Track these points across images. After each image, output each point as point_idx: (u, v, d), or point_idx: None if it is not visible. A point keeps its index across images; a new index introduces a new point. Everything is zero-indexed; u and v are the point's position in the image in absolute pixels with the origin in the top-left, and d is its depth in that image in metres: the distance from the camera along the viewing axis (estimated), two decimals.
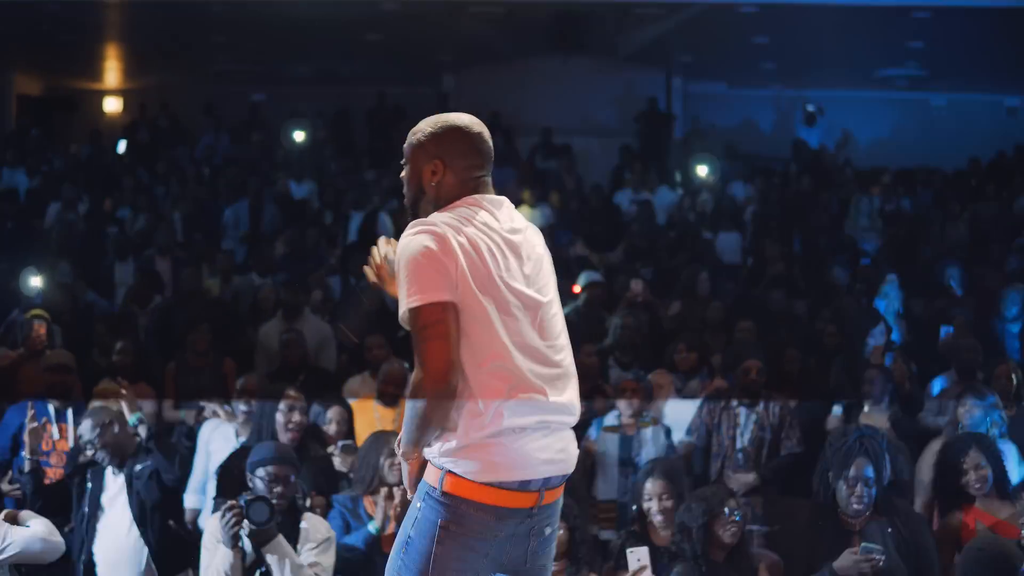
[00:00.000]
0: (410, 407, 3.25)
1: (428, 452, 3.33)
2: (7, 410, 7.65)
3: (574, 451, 3.43)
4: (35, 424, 6.77)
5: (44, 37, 17.49)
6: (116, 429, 6.18)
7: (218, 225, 12.68)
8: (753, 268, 12.44)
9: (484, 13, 15.83)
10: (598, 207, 14.16)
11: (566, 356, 3.43)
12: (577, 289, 10.55)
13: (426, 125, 3.49)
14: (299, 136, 16.32)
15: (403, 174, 3.54)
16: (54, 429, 7.13)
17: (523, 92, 17.84)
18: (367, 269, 3.69)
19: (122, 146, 16.99)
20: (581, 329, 9.69)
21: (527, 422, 3.26)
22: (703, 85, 19.34)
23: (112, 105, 21.02)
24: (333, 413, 7.05)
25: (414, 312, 3.24)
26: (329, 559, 5.53)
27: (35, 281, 9.82)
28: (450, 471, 3.26)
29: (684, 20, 15.93)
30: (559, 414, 3.35)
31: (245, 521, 5.36)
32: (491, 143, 3.51)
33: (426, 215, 3.41)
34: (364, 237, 11.78)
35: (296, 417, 6.63)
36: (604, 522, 7.41)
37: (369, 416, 7.39)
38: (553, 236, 12.86)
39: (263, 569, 5.43)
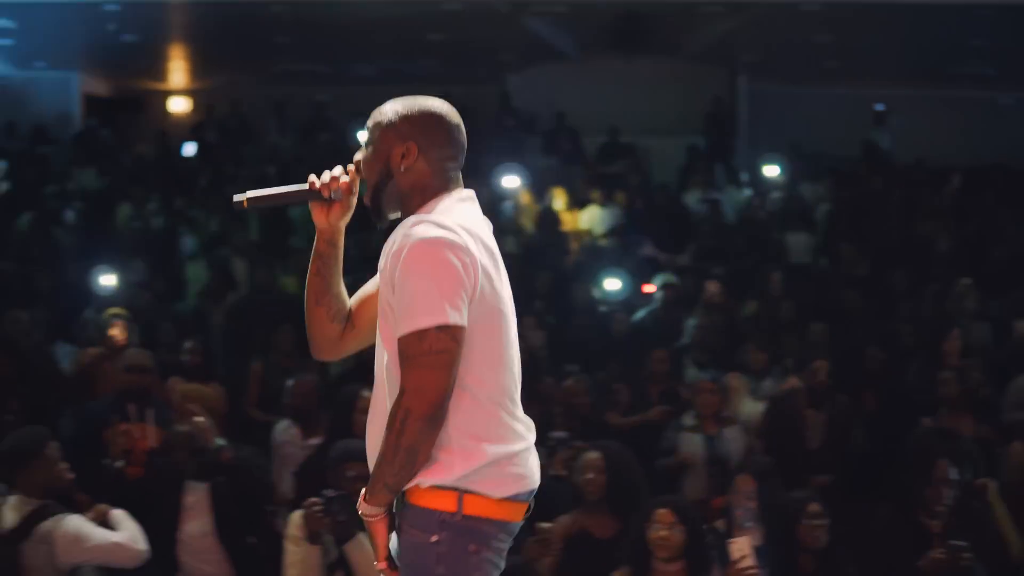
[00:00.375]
0: (385, 442, 2.93)
1: (431, 479, 2.99)
2: (87, 406, 7.73)
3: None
4: (124, 424, 6.90)
5: (110, 38, 17.68)
6: (200, 441, 6.25)
7: (289, 224, 12.75)
8: (828, 268, 12.34)
9: (547, 12, 15.82)
10: (666, 207, 14.10)
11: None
12: (652, 289, 10.55)
13: (397, 105, 3.15)
14: (364, 136, 16.31)
15: (359, 157, 3.20)
16: (134, 428, 7.13)
17: (587, 92, 17.80)
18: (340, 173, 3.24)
19: (190, 147, 17.11)
20: (656, 331, 9.71)
21: (528, 437, 3.09)
22: (767, 84, 19.20)
23: (178, 105, 21.22)
24: None
25: (418, 335, 2.88)
26: None
27: (108, 280, 9.92)
28: (468, 491, 2.98)
29: (747, 19, 15.82)
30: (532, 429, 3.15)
31: (327, 517, 5.41)
32: (465, 137, 3.17)
33: (390, 207, 3.14)
34: None
35: None
36: None
37: None
38: (622, 236, 12.85)
39: (344, 565, 5.48)
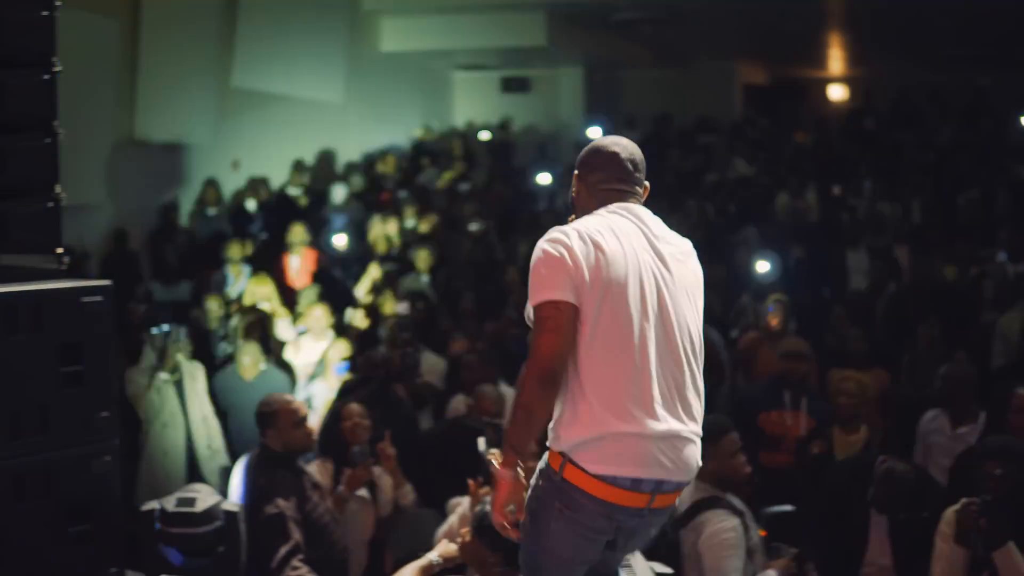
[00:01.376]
0: (512, 403, 3.58)
1: (551, 444, 3.53)
2: (743, 389, 8.00)
3: (690, 462, 3.52)
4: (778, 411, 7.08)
5: (770, 27, 18.07)
6: None
7: (952, 212, 12.38)
8: None
9: None
10: None
11: (694, 377, 3.55)
12: None
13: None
14: None
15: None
16: (787, 416, 7.27)
17: None
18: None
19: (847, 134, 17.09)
20: None
21: (645, 428, 3.41)
22: None
23: (837, 93, 21.29)
24: None
25: (534, 310, 3.49)
26: None
27: (764, 266, 10.15)
28: (570, 460, 3.44)
29: None
30: (677, 427, 3.46)
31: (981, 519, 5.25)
32: (631, 161, 3.70)
33: None
34: None
35: None
36: None
37: None
38: None
39: (991, 571, 5.29)
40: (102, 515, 4.22)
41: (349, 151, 17.03)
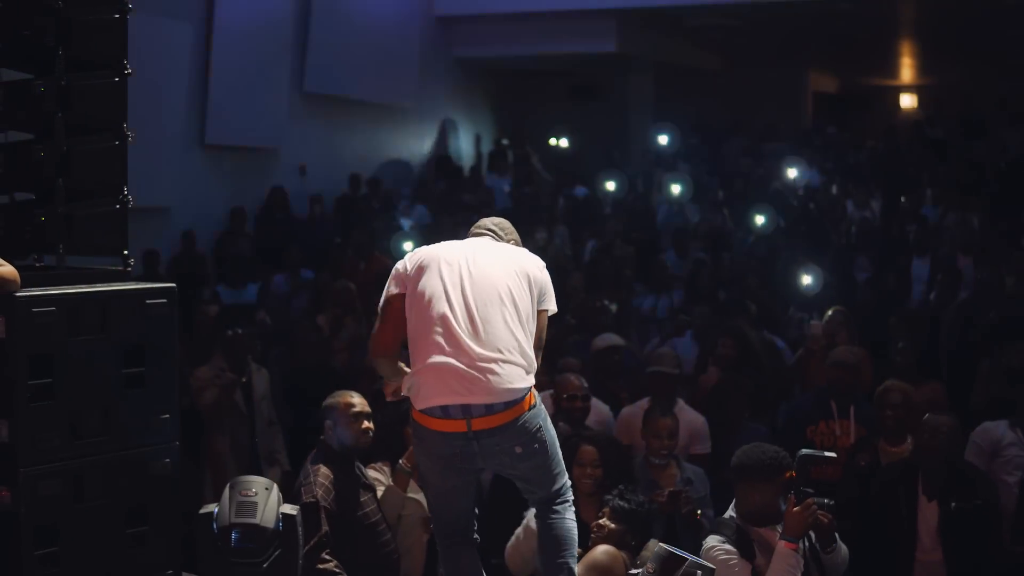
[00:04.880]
0: None
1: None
2: (796, 401, 7.88)
3: (492, 386, 4.27)
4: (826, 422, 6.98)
5: (840, 36, 17.89)
6: None
7: (1017, 222, 12.15)
8: None
9: None
10: None
11: (505, 321, 4.40)
12: None
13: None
14: None
15: None
16: (836, 426, 7.11)
17: None
18: None
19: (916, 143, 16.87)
20: None
21: (440, 363, 4.29)
22: None
23: (906, 101, 21.04)
24: None
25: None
26: None
27: (809, 279, 10.01)
28: (411, 405, 4.43)
29: None
30: (473, 359, 4.29)
31: None
32: (489, 229, 4.78)
33: None
34: None
35: None
36: None
37: None
38: None
39: None
40: (160, 517, 4.25)
41: (418, 157, 17.10)
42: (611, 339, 8.47)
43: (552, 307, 4.60)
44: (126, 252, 4.48)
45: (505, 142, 18.60)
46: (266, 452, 8.04)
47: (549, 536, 4.55)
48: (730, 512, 5.04)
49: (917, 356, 8.09)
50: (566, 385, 6.99)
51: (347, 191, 15.03)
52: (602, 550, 5.23)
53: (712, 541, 4.90)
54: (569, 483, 4.63)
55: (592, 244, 12.93)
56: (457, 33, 17.57)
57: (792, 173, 14.53)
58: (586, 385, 7.06)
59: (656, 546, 4.57)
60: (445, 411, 4.30)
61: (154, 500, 4.25)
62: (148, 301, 4.29)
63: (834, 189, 14.99)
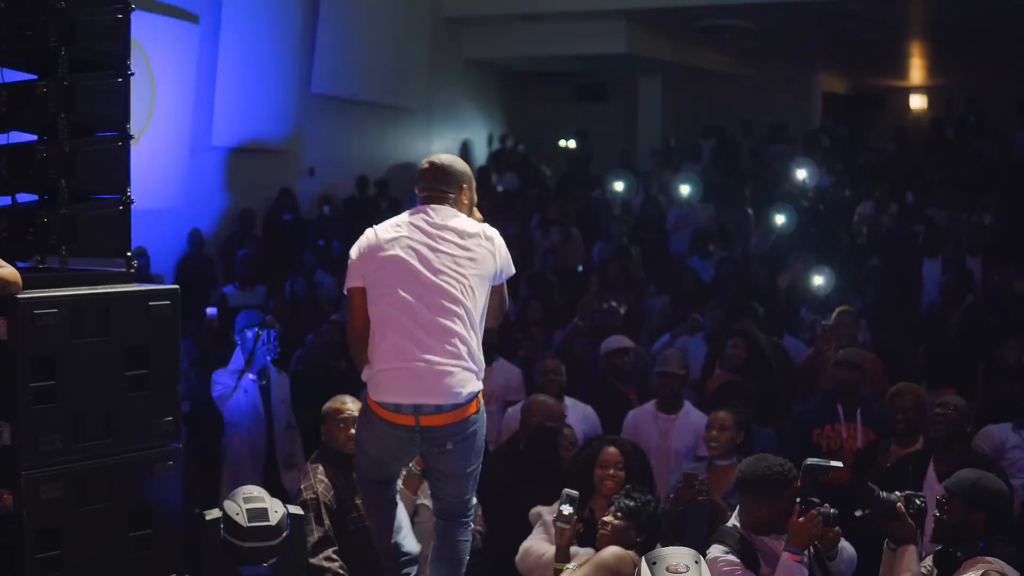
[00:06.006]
0: None
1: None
2: (801, 404, 7.82)
3: (442, 389, 4.51)
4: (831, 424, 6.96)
5: (849, 36, 17.82)
6: None
7: None
8: None
9: None
10: None
11: (453, 323, 4.57)
12: None
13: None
14: None
15: None
16: (842, 429, 7.06)
17: None
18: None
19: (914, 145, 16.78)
20: None
21: (399, 367, 4.52)
22: None
23: (917, 102, 20.95)
24: None
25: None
26: None
27: (819, 280, 9.94)
28: (367, 392, 4.66)
29: None
30: (428, 364, 4.50)
31: None
32: (439, 171, 4.81)
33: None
34: None
35: None
36: None
37: None
38: None
39: None
40: (162, 520, 4.22)
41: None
42: (620, 341, 8.45)
43: (510, 273, 4.81)
44: (129, 254, 4.45)
45: (499, 146, 18.59)
46: (284, 455, 8.01)
47: (447, 548, 4.83)
48: (733, 521, 5.00)
49: (934, 359, 8.04)
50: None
51: (355, 193, 15.01)
52: (610, 551, 5.21)
53: (716, 551, 4.84)
54: (475, 502, 4.92)
55: (600, 245, 12.89)
56: (466, 34, 17.55)
57: (801, 174, 14.49)
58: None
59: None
60: (397, 408, 4.56)
61: (156, 503, 4.22)
62: (151, 303, 4.26)
63: (847, 192, 14.93)
